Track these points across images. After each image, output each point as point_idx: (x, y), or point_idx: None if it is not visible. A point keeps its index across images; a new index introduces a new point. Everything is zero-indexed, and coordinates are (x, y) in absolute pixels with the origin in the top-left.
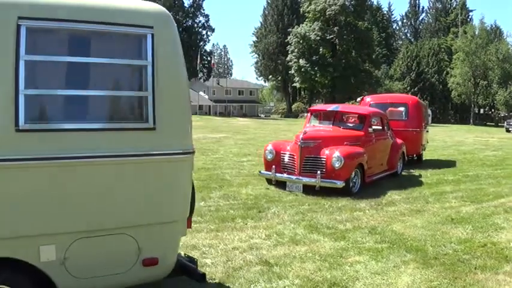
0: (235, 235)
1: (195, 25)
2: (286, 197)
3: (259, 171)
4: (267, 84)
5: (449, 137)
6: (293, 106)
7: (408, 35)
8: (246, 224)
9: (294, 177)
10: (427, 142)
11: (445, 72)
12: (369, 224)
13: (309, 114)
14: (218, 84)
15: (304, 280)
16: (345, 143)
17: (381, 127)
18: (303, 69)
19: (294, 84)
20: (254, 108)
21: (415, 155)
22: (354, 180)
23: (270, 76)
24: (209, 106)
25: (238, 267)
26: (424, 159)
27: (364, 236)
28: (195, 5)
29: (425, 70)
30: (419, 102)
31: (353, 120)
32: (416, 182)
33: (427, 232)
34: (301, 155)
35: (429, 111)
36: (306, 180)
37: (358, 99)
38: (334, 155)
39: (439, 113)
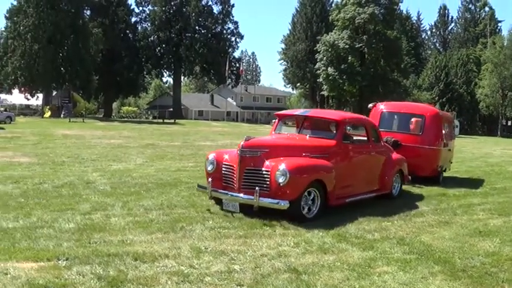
0: (263, 242)
1: (224, 31)
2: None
3: (197, 185)
4: (295, 91)
5: (477, 149)
6: None
7: (437, 44)
8: (275, 231)
9: (230, 193)
10: (451, 162)
11: (473, 83)
12: (397, 234)
13: (276, 119)
14: (246, 90)
15: None
16: (304, 154)
17: (366, 138)
18: (331, 78)
19: (322, 93)
20: None
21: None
22: (310, 202)
23: (298, 84)
24: (237, 112)
25: (266, 274)
26: (451, 170)
27: (393, 246)
28: (224, 11)
29: (454, 81)
30: (439, 115)
31: (326, 127)
32: (444, 193)
33: (455, 244)
34: (241, 167)
35: (456, 123)
36: (244, 197)
37: (370, 105)
38: (278, 168)
39: (466, 124)
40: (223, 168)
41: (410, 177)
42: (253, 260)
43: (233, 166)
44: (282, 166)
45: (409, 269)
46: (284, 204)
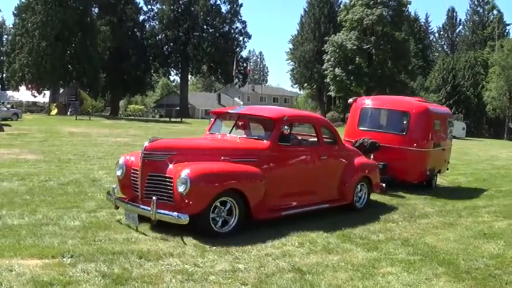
0: (268, 241)
1: (232, 31)
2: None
3: (107, 193)
4: (302, 92)
5: (483, 152)
6: (327, 115)
7: (445, 47)
8: (280, 230)
9: (129, 203)
10: (448, 162)
11: (480, 85)
12: (401, 235)
13: (213, 118)
14: (253, 90)
15: None
16: (223, 158)
17: (316, 139)
18: (338, 78)
19: (329, 93)
20: None
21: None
22: (224, 214)
23: (306, 84)
24: None
25: (271, 273)
26: (458, 172)
27: (397, 247)
28: (232, 11)
29: (461, 83)
30: (428, 111)
31: (263, 126)
32: (449, 195)
33: (460, 246)
34: (143, 172)
35: (463, 125)
36: (142, 208)
37: (350, 100)
38: (179, 175)
39: (473, 127)
40: (132, 174)
41: (392, 182)
42: (258, 259)
43: (138, 170)
44: (184, 172)
45: (413, 270)
46: (184, 219)
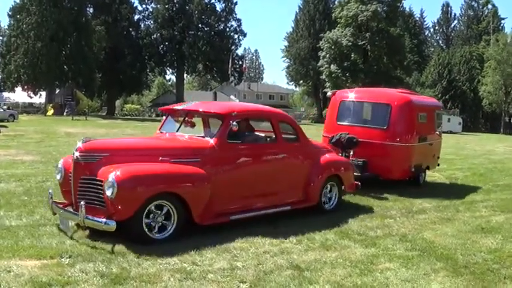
0: (266, 239)
1: (227, 29)
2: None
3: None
4: (297, 89)
5: (480, 146)
6: (324, 111)
7: (440, 42)
8: (277, 228)
9: (63, 209)
10: (438, 157)
11: (476, 80)
12: (399, 231)
13: (165, 115)
14: (249, 88)
15: (334, 286)
16: (162, 158)
17: (274, 135)
18: (334, 75)
19: (325, 90)
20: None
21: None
22: (162, 219)
23: (301, 81)
24: None
25: (269, 271)
26: (455, 167)
27: (395, 243)
28: (227, 9)
29: (457, 78)
30: (411, 104)
31: (213, 123)
32: (446, 190)
33: (457, 241)
34: (75, 175)
35: (459, 119)
36: (74, 214)
37: (329, 93)
38: (107, 178)
39: (469, 121)
40: (69, 177)
41: (361, 182)
42: (256, 257)
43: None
44: (111, 175)
45: (412, 265)
46: (111, 225)
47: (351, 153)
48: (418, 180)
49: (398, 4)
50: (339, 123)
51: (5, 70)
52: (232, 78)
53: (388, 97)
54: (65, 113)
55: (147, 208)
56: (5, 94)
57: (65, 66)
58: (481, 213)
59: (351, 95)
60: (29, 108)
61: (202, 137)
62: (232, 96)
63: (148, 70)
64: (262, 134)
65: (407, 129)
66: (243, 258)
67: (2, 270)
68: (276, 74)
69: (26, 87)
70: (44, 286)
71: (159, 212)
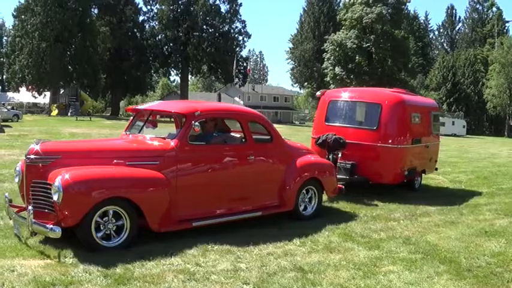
0: (269, 241)
1: (232, 31)
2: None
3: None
4: (302, 91)
5: (484, 149)
6: None
7: (444, 44)
8: (281, 230)
9: (16, 214)
10: (435, 161)
11: (480, 83)
12: (403, 234)
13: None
14: (253, 90)
15: None
16: (116, 160)
17: (242, 135)
18: (338, 77)
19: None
20: (289, 114)
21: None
22: (113, 226)
23: (306, 83)
24: None
25: (272, 272)
26: (459, 170)
27: (399, 246)
28: (231, 10)
29: (461, 81)
30: (403, 103)
31: (177, 123)
32: (450, 193)
33: (461, 244)
34: (27, 179)
35: (464, 122)
36: (24, 219)
37: (318, 93)
38: (54, 182)
39: (473, 125)
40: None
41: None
42: (259, 259)
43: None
44: (58, 179)
45: (415, 268)
46: (56, 231)
47: (339, 155)
48: (413, 185)
49: (403, 6)
50: (327, 124)
51: (10, 70)
52: (236, 80)
53: (378, 96)
54: (69, 114)
55: (97, 214)
56: (10, 94)
57: (70, 67)
58: (485, 217)
59: (340, 94)
60: (33, 109)
61: (163, 138)
62: (236, 98)
63: (152, 71)
64: (238, 135)
65: (398, 130)
66: (247, 260)
67: (5, 269)
68: (280, 75)
69: (30, 87)
70: (48, 286)
71: (113, 219)
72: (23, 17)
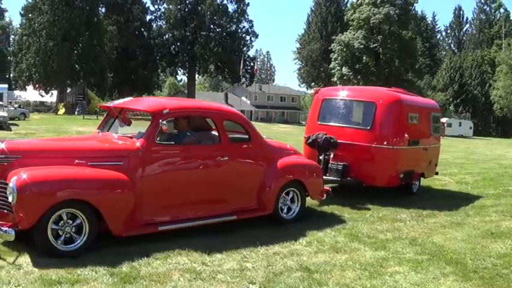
0: (276, 240)
1: (239, 30)
2: (324, 204)
3: None
4: (309, 91)
5: (490, 151)
6: None
7: (452, 45)
8: (287, 230)
9: None
10: (435, 165)
11: (487, 84)
12: (409, 234)
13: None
14: (260, 89)
15: None
16: (78, 161)
17: (217, 134)
18: (345, 77)
19: None
20: (296, 114)
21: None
22: (72, 229)
23: (313, 83)
24: (251, 111)
25: (278, 272)
26: (465, 171)
27: (405, 246)
28: (239, 10)
29: (468, 82)
30: (399, 102)
31: (147, 121)
32: (456, 194)
33: (467, 245)
34: None
35: (470, 124)
36: None
37: (312, 91)
38: (9, 182)
39: (480, 126)
40: None
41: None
42: (266, 258)
43: None
44: (13, 180)
45: (421, 269)
46: (10, 234)
47: (331, 155)
48: (411, 189)
49: (411, 7)
50: (320, 123)
51: (17, 69)
52: (243, 80)
53: (373, 95)
54: (76, 112)
55: (53, 217)
56: (17, 93)
57: (77, 66)
58: (491, 218)
59: (334, 92)
60: (40, 107)
61: (130, 137)
62: (243, 98)
63: (159, 70)
64: (216, 133)
65: (394, 130)
66: (253, 259)
67: (12, 267)
68: (287, 75)
69: (37, 86)
70: (54, 284)
71: (71, 221)
72: (30, 15)
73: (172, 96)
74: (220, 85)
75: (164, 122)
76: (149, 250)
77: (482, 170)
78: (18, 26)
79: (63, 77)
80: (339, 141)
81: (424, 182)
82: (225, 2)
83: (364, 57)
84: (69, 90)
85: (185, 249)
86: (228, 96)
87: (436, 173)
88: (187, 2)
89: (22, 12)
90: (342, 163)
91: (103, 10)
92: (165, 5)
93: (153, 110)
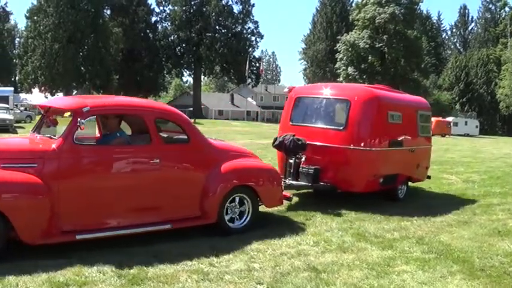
0: (283, 241)
1: (244, 31)
2: (331, 204)
3: None
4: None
5: (497, 149)
6: None
7: (457, 44)
8: (294, 230)
9: None
10: (426, 168)
11: (493, 83)
12: (416, 234)
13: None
14: (266, 90)
15: (351, 287)
16: None
17: (148, 134)
18: (351, 77)
19: None
20: None
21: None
22: None
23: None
24: (257, 112)
25: (286, 272)
26: (472, 170)
27: (412, 245)
28: (244, 11)
29: (474, 81)
30: (377, 100)
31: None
32: (463, 193)
33: (474, 244)
34: None
35: (476, 122)
36: None
37: (286, 89)
38: None
39: (486, 125)
40: None
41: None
42: (273, 259)
43: None
44: None
45: (428, 268)
46: None
47: (303, 158)
48: (396, 195)
49: (416, 6)
50: (292, 123)
51: (22, 71)
52: (249, 80)
53: (347, 92)
54: None
55: None
56: (22, 95)
57: (82, 68)
58: (498, 217)
59: (308, 90)
60: None
61: (49, 137)
62: (249, 99)
63: (165, 72)
64: (165, 135)
65: (370, 130)
66: (260, 260)
67: (19, 270)
68: (293, 76)
69: (43, 88)
70: (61, 286)
71: None
72: (35, 18)
73: (178, 97)
74: (226, 86)
75: (83, 121)
76: (156, 251)
77: (489, 168)
78: (23, 28)
79: (69, 79)
80: (311, 143)
81: (430, 181)
82: (230, 2)
83: (370, 57)
84: (74, 92)
85: (192, 250)
86: (234, 97)
87: (428, 177)
88: (192, 3)
89: (27, 14)
90: (313, 167)
91: (108, 12)
92: (170, 7)
93: (72, 108)
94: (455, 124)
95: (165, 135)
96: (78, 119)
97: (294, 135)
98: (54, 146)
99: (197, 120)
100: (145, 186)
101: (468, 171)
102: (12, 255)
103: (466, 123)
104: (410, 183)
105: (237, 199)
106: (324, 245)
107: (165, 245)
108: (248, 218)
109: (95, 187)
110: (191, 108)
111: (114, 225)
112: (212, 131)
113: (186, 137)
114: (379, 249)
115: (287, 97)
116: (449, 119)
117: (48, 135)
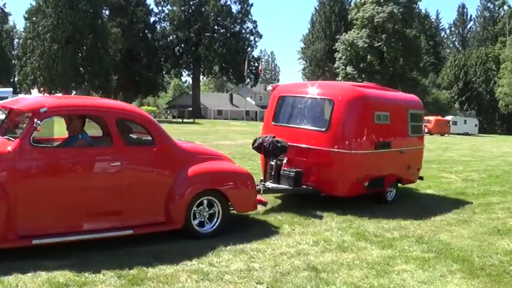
0: (282, 240)
1: (243, 31)
2: (330, 203)
3: None
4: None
5: (496, 148)
6: None
7: (456, 43)
8: (294, 229)
9: None
10: (418, 169)
11: (492, 81)
12: (416, 233)
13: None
14: (265, 90)
15: (351, 287)
16: None
17: (109, 136)
18: (350, 76)
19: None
20: None
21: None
22: None
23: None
24: (256, 112)
25: (286, 272)
26: (471, 168)
27: (411, 244)
28: (243, 11)
29: (473, 79)
30: (362, 100)
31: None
32: (462, 192)
33: (474, 243)
34: None
35: (475, 121)
36: None
37: (269, 87)
38: None
39: (486, 123)
40: None
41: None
42: (273, 258)
43: None
44: None
45: (428, 267)
46: None
47: (284, 161)
48: (385, 197)
49: (414, 5)
50: (274, 124)
51: (21, 72)
52: (248, 80)
53: (331, 91)
54: None
55: None
56: (21, 96)
57: (81, 68)
58: (498, 215)
59: (290, 88)
60: None
61: (8, 139)
62: (248, 98)
63: (164, 72)
64: (134, 136)
65: (354, 131)
66: (260, 260)
67: (19, 270)
68: (292, 75)
69: (42, 89)
70: (61, 287)
71: None
72: (34, 19)
73: (177, 97)
74: (225, 86)
75: (39, 122)
76: (156, 251)
77: (488, 167)
78: (22, 29)
79: (68, 79)
80: (293, 144)
81: (429, 180)
82: (228, 2)
83: (369, 56)
84: (74, 93)
85: (192, 250)
86: (233, 97)
87: (421, 178)
88: (191, 3)
89: (26, 15)
90: (295, 170)
91: (107, 13)
92: (168, 7)
93: (29, 109)
94: (455, 123)
95: (132, 137)
96: (35, 120)
97: (273, 137)
98: (9, 148)
99: (196, 120)
100: (106, 189)
101: (467, 170)
102: (12, 255)
103: (465, 122)
104: (409, 184)
105: (205, 202)
106: (324, 244)
107: (165, 245)
108: (218, 222)
109: (53, 190)
110: (190, 108)
111: (74, 229)
112: (211, 130)
113: (150, 138)
114: (379, 249)
115: (271, 93)
116: (449, 117)
117: (7, 137)
